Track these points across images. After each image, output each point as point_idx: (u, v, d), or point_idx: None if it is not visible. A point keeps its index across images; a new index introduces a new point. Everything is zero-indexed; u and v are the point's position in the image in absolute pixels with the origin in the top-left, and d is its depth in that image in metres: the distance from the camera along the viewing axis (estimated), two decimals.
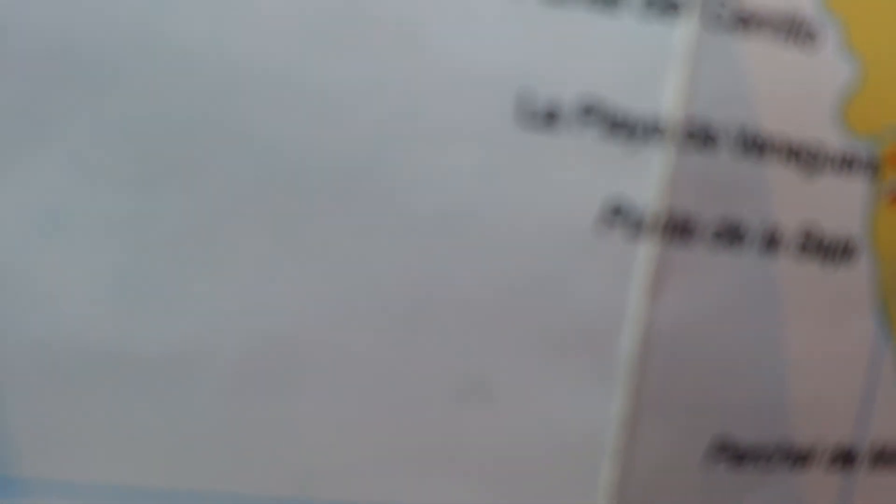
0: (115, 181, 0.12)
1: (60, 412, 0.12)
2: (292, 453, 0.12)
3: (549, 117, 0.12)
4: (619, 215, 0.13)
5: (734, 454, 0.14)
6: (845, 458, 0.15)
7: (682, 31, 0.13)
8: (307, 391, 0.12)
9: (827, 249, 0.14)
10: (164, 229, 0.12)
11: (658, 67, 0.13)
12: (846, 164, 0.14)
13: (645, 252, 0.13)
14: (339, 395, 0.12)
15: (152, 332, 0.12)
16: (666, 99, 0.13)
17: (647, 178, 0.13)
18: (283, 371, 0.12)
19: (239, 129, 0.12)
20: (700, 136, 0.13)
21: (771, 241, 0.13)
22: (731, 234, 0.13)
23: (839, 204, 0.14)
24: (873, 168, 0.14)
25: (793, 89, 0.13)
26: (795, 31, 0.13)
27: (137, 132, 0.12)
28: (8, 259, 0.12)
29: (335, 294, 0.12)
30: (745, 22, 0.13)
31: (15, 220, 0.12)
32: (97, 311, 0.12)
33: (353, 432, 0.12)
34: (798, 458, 0.14)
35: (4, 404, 0.12)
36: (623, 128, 0.13)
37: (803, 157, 0.13)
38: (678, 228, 0.13)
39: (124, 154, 0.12)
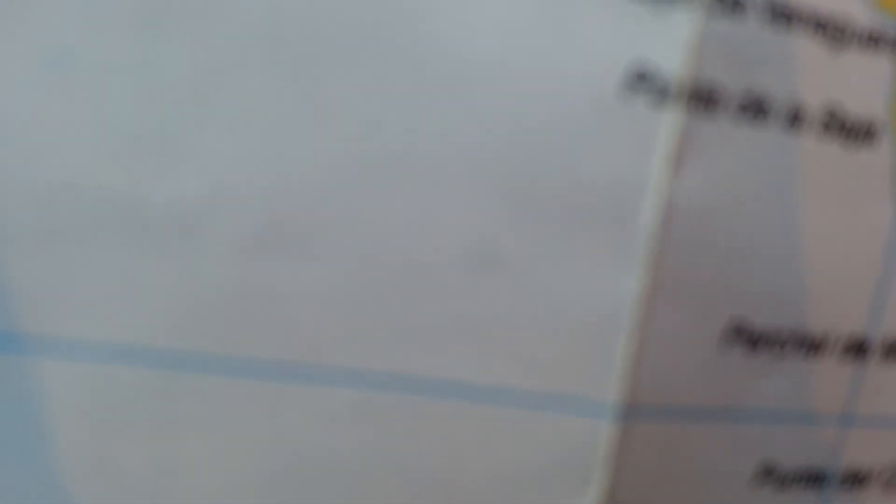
0: (121, 25, 0.11)
1: (65, 266, 0.11)
2: (300, 318, 0.12)
3: None
4: (643, 81, 0.12)
5: (749, 338, 0.14)
6: (858, 349, 0.14)
7: None
8: (315, 254, 0.12)
9: (850, 130, 0.13)
10: (173, 76, 0.11)
11: None
12: (872, 41, 0.13)
13: (669, 121, 0.12)
14: (348, 257, 0.12)
15: (160, 183, 0.11)
16: None
17: (673, 43, 0.12)
18: (293, 230, 0.12)
19: None
20: (728, 2, 0.12)
21: (795, 118, 0.13)
22: (755, 108, 0.13)
23: (864, 83, 0.13)
24: None
25: None
26: None
27: None
28: (11, 106, 0.11)
29: (347, 149, 0.12)
30: None
31: (18, 66, 0.11)
32: (103, 160, 0.11)
33: (361, 299, 0.12)
34: (811, 345, 0.14)
35: (7, 257, 0.11)
36: None
37: (830, 31, 0.13)
38: (703, 98, 0.12)
39: None
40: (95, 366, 0.12)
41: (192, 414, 0.12)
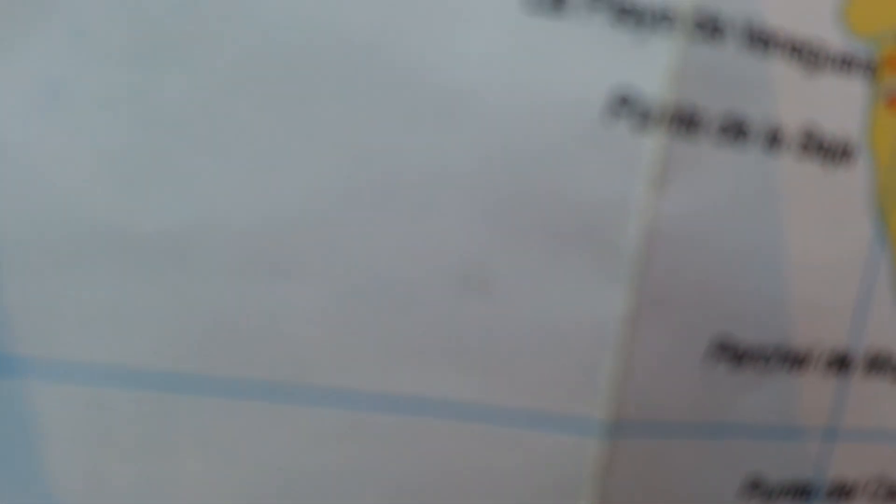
0: (116, 55, 0.11)
1: (59, 290, 0.11)
2: (288, 338, 0.12)
3: (557, 2, 0.12)
4: (625, 105, 0.12)
5: (734, 354, 0.14)
6: (841, 363, 0.15)
7: None
8: (304, 275, 0.12)
9: (827, 150, 0.14)
10: (166, 105, 0.11)
11: None
12: (846, 64, 0.14)
13: (651, 144, 0.13)
14: (338, 280, 0.12)
15: (152, 210, 0.11)
16: None
17: (655, 68, 0.13)
18: (284, 255, 0.12)
19: (244, 2, 0.11)
20: (708, 27, 0.13)
21: (774, 140, 0.13)
22: (735, 130, 0.13)
23: (838, 104, 0.14)
24: (871, 70, 0.14)
25: None
26: None
27: (139, 5, 0.11)
28: (6, 135, 0.11)
29: (337, 177, 0.12)
30: None
31: (13, 95, 0.11)
32: (97, 188, 0.11)
33: (349, 319, 0.12)
34: (795, 360, 0.14)
35: (2, 282, 0.11)
36: (632, 15, 0.12)
37: (805, 55, 0.13)
38: (685, 121, 0.13)
39: (125, 27, 0.11)
40: (88, 388, 0.12)
41: (183, 434, 0.12)
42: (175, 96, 0.11)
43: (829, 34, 0.14)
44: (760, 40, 0.13)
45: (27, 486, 0.12)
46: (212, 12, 0.11)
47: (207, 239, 0.12)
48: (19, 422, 0.12)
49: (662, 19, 0.12)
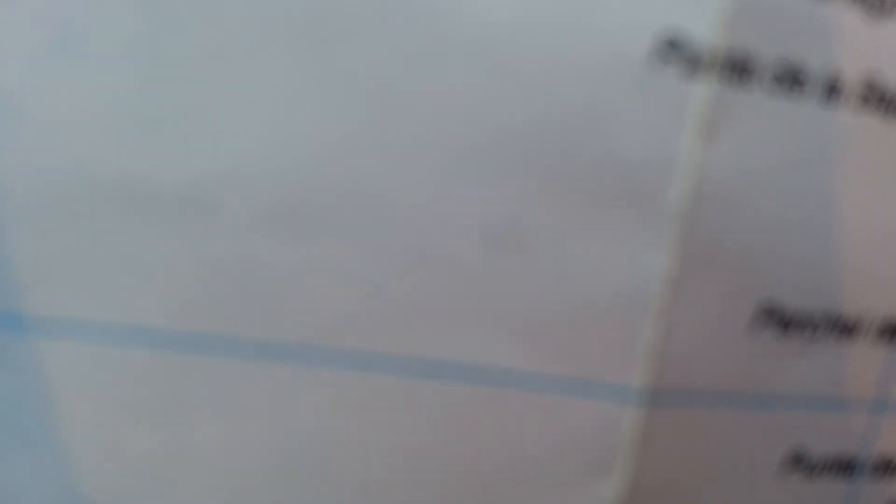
0: (128, 5, 0.10)
1: (72, 246, 0.11)
2: (313, 299, 0.11)
3: None
4: (674, 49, 0.12)
5: (780, 320, 0.13)
6: (893, 333, 0.14)
7: None
8: (330, 234, 0.11)
9: (889, 103, 0.13)
10: (180, 51, 0.11)
11: None
12: None
13: (701, 92, 0.12)
14: (365, 237, 0.11)
15: (170, 162, 0.11)
16: None
17: (706, 12, 0.12)
18: (308, 209, 0.11)
19: None
20: None
21: (832, 90, 0.12)
22: (791, 79, 0.12)
23: None
24: None
25: None
26: None
27: None
28: (15, 85, 0.10)
29: (364, 126, 0.11)
30: None
31: (21, 43, 0.10)
32: (110, 139, 0.11)
33: (376, 280, 0.11)
34: (845, 328, 0.13)
35: (13, 238, 0.11)
36: None
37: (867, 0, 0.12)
38: (737, 68, 0.12)
39: None
40: (104, 347, 0.11)
41: (202, 396, 0.12)
42: (192, 42, 0.11)
43: None
44: None
45: (40, 448, 0.11)
46: None
47: (228, 191, 0.11)
48: (32, 382, 0.11)
49: None
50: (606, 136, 0.12)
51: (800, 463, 0.14)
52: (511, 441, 0.12)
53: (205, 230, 0.11)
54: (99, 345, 0.11)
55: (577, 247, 0.12)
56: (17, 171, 0.11)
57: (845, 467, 0.14)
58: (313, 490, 0.12)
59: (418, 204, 0.11)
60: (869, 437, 0.14)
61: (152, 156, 0.11)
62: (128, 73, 0.11)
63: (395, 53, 0.11)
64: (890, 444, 0.14)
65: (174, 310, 0.11)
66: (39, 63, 0.10)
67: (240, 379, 0.12)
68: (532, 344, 0.12)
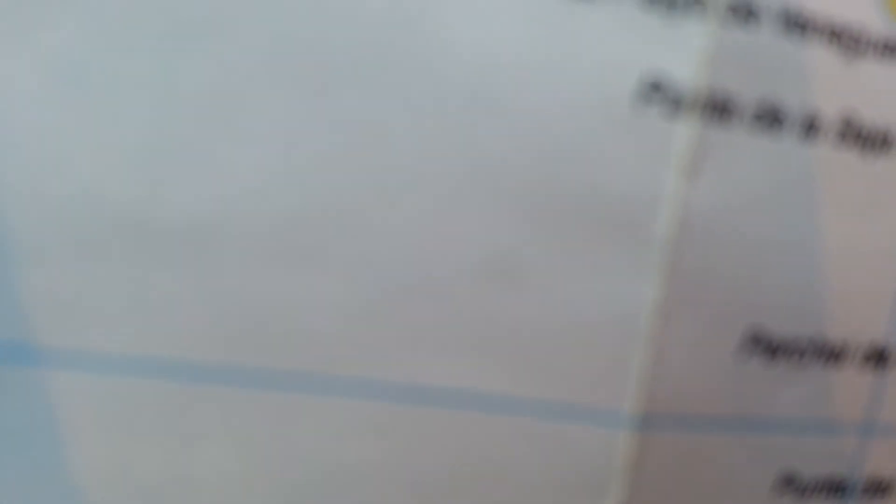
0: (138, 40, 0.11)
1: (80, 279, 0.11)
2: (313, 328, 0.12)
3: None
4: (657, 91, 0.12)
5: (767, 347, 0.14)
6: (879, 357, 0.14)
7: None
8: (329, 265, 0.12)
9: (866, 139, 0.13)
10: (189, 90, 0.11)
11: None
12: (888, 50, 0.13)
13: (683, 131, 0.12)
14: (361, 270, 0.12)
15: (175, 198, 0.11)
16: None
17: (687, 53, 0.12)
18: (309, 244, 0.12)
19: None
20: (742, 11, 0.12)
21: (811, 127, 0.13)
22: (770, 117, 0.13)
23: (880, 92, 0.13)
24: None
25: None
26: None
27: None
28: (27, 120, 0.11)
29: (363, 165, 0.12)
30: None
31: (33, 79, 0.11)
32: (118, 176, 0.11)
33: (375, 309, 0.12)
34: (831, 354, 0.14)
35: (24, 270, 0.11)
36: None
37: (845, 40, 0.13)
38: (718, 108, 0.12)
39: (148, 11, 0.11)
40: (111, 378, 0.12)
41: (207, 425, 0.12)
42: (198, 82, 0.11)
43: (870, 19, 0.13)
44: (797, 25, 0.13)
45: (49, 477, 0.12)
46: None
47: (231, 227, 0.12)
48: (41, 412, 0.12)
49: (694, 3, 0.12)
50: (594, 173, 0.12)
51: (791, 485, 0.14)
52: (507, 466, 0.13)
53: (208, 263, 0.12)
54: (106, 375, 0.12)
55: (568, 277, 0.13)
56: (28, 204, 0.11)
57: (836, 489, 0.15)
58: None
59: (415, 237, 0.12)
60: (858, 460, 0.15)
61: (157, 189, 0.11)
62: (137, 111, 0.11)
63: (393, 93, 0.12)
64: (879, 466, 0.15)
65: (180, 340, 0.12)
66: (51, 99, 0.11)
67: (244, 407, 0.12)
68: (525, 370, 0.13)
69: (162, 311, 0.12)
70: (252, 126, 0.11)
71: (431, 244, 0.12)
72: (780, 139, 0.13)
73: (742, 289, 0.13)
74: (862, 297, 0.14)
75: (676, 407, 0.13)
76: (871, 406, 0.14)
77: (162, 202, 0.11)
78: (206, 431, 0.12)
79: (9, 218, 0.11)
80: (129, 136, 0.11)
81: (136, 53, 0.11)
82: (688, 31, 0.12)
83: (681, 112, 0.12)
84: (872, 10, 0.13)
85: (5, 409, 0.11)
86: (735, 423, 0.14)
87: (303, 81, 0.12)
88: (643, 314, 0.13)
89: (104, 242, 0.11)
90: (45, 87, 0.11)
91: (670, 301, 0.13)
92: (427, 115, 0.12)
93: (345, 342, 0.12)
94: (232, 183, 0.12)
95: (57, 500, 0.12)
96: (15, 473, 0.12)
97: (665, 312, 0.13)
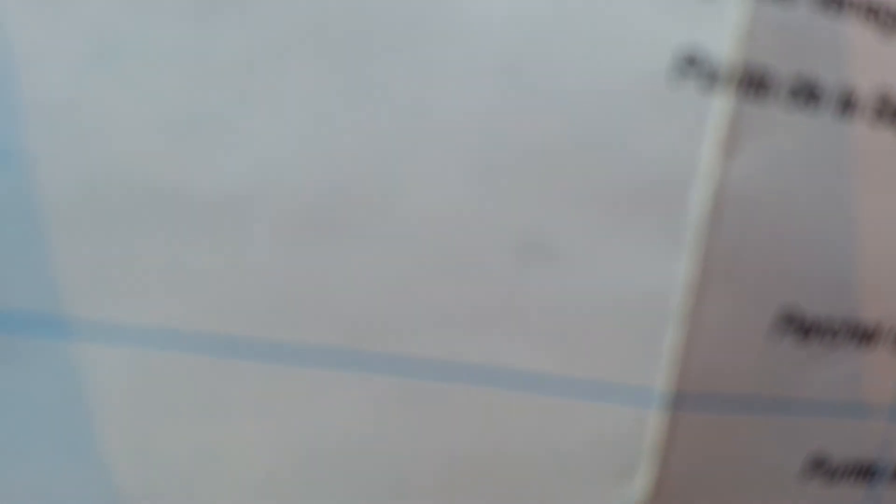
0: (168, 10, 0.11)
1: (111, 252, 0.11)
2: (345, 304, 0.12)
3: None
4: (693, 65, 0.12)
5: (800, 327, 0.13)
6: None
7: None
8: (363, 240, 0.12)
9: None
10: (220, 63, 0.11)
11: None
12: None
13: (719, 106, 0.12)
14: (395, 246, 0.12)
15: (206, 171, 0.11)
16: None
17: (723, 28, 0.12)
18: (341, 218, 0.12)
19: None
20: None
21: (847, 104, 0.13)
22: (806, 93, 0.13)
23: None
24: None
25: None
26: None
27: None
28: (57, 93, 0.11)
29: (395, 139, 0.12)
30: None
31: (64, 52, 0.11)
32: (151, 148, 0.11)
33: (407, 285, 0.12)
34: (864, 335, 0.14)
35: (54, 243, 0.11)
36: None
37: (882, 16, 0.13)
38: (754, 83, 0.12)
39: None
40: (141, 350, 0.12)
41: (236, 399, 0.12)
42: (231, 54, 0.11)
43: None
44: (834, 1, 0.13)
45: (77, 451, 0.12)
46: None
47: (264, 200, 0.12)
48: (70, 384, 0.12)
49: None
50: (629, 148, 0.12)
51: (820, 467, 0.14)
52: (536, 443, 0.13)
53: (239, 237, 0.12)
54: (135, 348, 0.12)
55: (602, 255, 0.12)
56: (59, 177, 0.11)
57: (865, 472, 0.15)
58: (345, 492, 0.13)
59: (449, 212, 0.12)
60: (888, 443, 0.15)
61: (190, 163, 0.11)
62: (167, 82, 0.11)
63: (427, 70, 0.12)
64: None
65: (211, 314, 0.12)
66: (82, 71, 0.11)
67: (273, 381, 0.12)
68: (559, 348, 0.12)
69: (193, 284, 0.12)
70: (286, 99, 0.11)
71: (466, 220, 0.12)
72: (817, 115, 0.13)
73: (776, 267, 0.13)
74: None
75: (708, 386, 0.13)
76: None
77: (195, 175, 0.11)
78: (235, 406, 0.12)
79: (42, 188, 0.11)
80: (163, 108, 0.11)
81: (170, 24, 0.11)
82: (724, 5, 0.12)
83: (717, 86, 0.12)
84: None
85: (35, 381, 0.11)
86: (766, 404, 0.14)
87: (337, 54, 0.11)
88: (676, 292, 0.13)
89: (135, 214, 0.11)
90: (81, 57, 0.11)
91: (704, 279, 0.13)
92: (461, 92, 0.12)
93: (376, 318, 0.12)
94: (265, 156, 0.11)
95: (85, 474, 0.12)
96: (44, 447, 0.12)
97: (698, 290, 0.13)
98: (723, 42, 0.12)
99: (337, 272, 0.12)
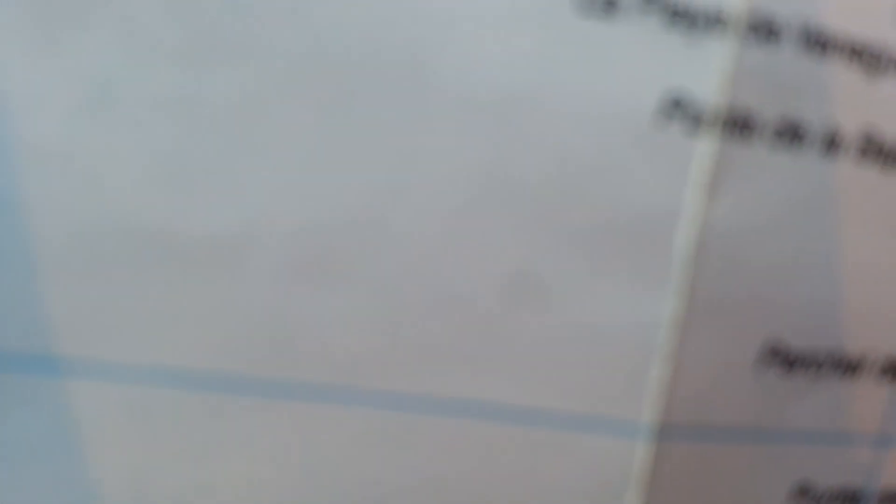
0: (166, 55, 0.11)
1: (105, 292, 0.12)
2: (337, 341, 0.12)
3: (609, 5, 0.12)
4: (678, 108, 0.12)
5: (785, 360, 0.14)
6: (895, 370, 0.14)
7: None
8: (354, 279, 0.12)
9: (887, 155, 0.14)
10: (214, 108, 0.12)
11: None
12: None
13: (704, 148, 0.13)
14: (385, 284, 0.12)
15: (200, 213, 0.12)
16: None
17: (708, 71, 0.12)
18: (331, 258, 0.12)
19: (294, 5, 0.11)
20: (763, 30, 0.12)
21: (831, 144, 0.13)
22: (791, 134, 0.13)
23: None
24: None
25: None
26: None
27: (190, 4, 0.11)
28: (53, 136, 0.11)
29: (384, 181, 0.12)
30: None
31: (61, 94, 0.11)
32: (144, 190, 0.12)
33: (398, 323, 0.12)
34: (848, 367, 0.14)
35: (50, 284, 0.12)
36: (684, 17, 0.12)
37: (866, 58, 0.13)
38: (738, 125, 0.13)
39: (176, 27, 0.11)
40: (133, 388, 0.12)
41: (228, 435, 0.12)
42: (224, 98, 0.12)
43: (891, 36, 0.13)
44: (818, 43, 0.13)
45: (72, 487, 0.12)
46: (263, 14, 0.11)
47: (255, 242, 0.12)
48: (64, 422, 0.12)
49: (716, 21, 0.12)
50: (615, 189, 0.13)
51: (806, 495, 0.15)
52: (526, 476, 0.13)
53: (233, 279, 0.12)
54: (129, 385, 0.12)
55: (589, 292, 0.13)
56: (54, 221, 0.11)
57: (851, 500, 0.15)
58: None
59: (437, 251, 0.12)
60: (874, 471, 0.15)
61: (183, 208, 0.12)
62: (161, 129, 0.11)
63: (416, 111, 0.12)
64: (894, 478, 0.15)
65: (201, 352, 0.12)
66: (76, 117, 0.11)
67: (265, 417, 0.12)
68: (545, 382, 0.13)
69: (185, 323, 0.12)
70: (277, 142, 0.12)
71: (454, 258, 0.12)
72: (801, 155, 0.13)
73: (761, 303, 0.13)
74: (881, 311, 0.14)
75: (693, 417, 0.13)
76: (887, 418, 0.15)
77: (187, 216, 0.12)
78: (228, 441, 0.12)
79: (36, 230, 0.11)
80: (156, 151, 0.11)
81: (164, 67, 0.11)
82: (709, 49, 0.12)
83: (701, 129, 0.12)
84: (893, 27, 0.13)
85: (30, 419, 0.12)
86: (751, 434, 0.14)
87: (327, 98, 0.12)
88: (662, 328, 0.13)
89: (129, 256, 0.12)
90: (74, 101, 0.11)
91: (689, 314, 0.13)
92: (451, 132, 0.12)
93: (364, 355, 0.12)
94: (256, 198, 0.12)
95: None
96: (39, 483, 0.12)
97: (683, 325, 0.13)
98: (708, 85, 0.12)
99: (328, 310, 0.12)
